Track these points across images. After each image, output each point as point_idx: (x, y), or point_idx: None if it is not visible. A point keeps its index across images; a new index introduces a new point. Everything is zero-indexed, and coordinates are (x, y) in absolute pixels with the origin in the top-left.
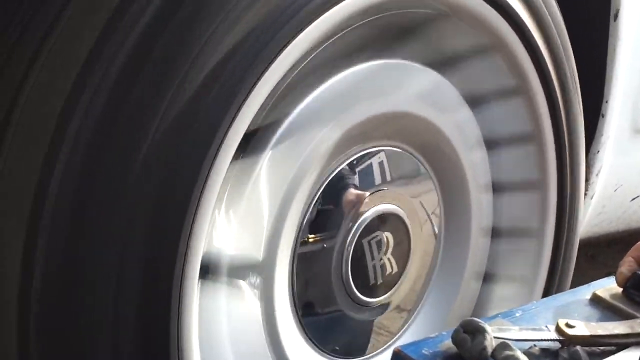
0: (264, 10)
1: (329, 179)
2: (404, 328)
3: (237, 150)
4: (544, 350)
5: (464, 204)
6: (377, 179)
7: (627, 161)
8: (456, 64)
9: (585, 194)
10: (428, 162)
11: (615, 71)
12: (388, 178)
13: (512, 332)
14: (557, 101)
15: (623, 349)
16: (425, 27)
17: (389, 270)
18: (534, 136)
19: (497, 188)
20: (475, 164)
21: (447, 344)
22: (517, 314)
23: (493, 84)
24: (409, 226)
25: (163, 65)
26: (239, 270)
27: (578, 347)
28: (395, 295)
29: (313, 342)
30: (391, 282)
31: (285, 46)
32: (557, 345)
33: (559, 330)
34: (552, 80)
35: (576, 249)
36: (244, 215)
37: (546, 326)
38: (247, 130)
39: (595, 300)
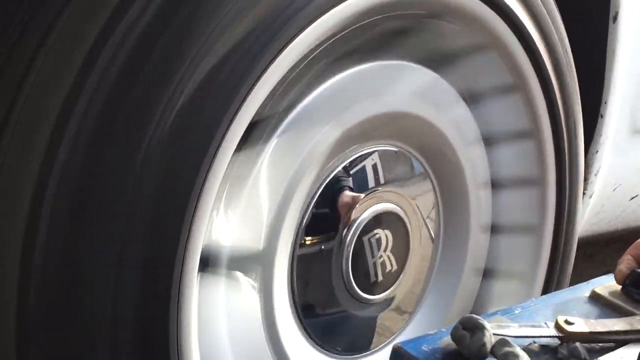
0: (263, 11)
1: (329, 178)
2: (403, 327)
3: (236, 148)
4: (543, 347)
5: (463, 201)
6: (377, 179)
7: (625, 161)
8: (453, 63)
9: (584, 194)
10: (426, 160)
11: (614, 73)
12: (386, 177)
13: (512, 329)
14: (556, 99)
15: (622, 346)
16: (425, 27)
17: (388, 267)
18: (532, 134)
19: (496, 185)
20: (474, 162)
21: (447, 340)
22: (517, 311)
23: (492, 82)
24: (409, 224)
25: (162, 65)
26: (238, 264)
27: (577, 344)
28: (396, 292)
29: (311, 338)
30: (391, 279)
31: (284, 47)
32: (557, 342)
33: (558, 327)
34: (550, 78)
35: (575, 247)
36: (244, 212)
37: (545, 323)
38: (246, 128)
39: (594, 298)
